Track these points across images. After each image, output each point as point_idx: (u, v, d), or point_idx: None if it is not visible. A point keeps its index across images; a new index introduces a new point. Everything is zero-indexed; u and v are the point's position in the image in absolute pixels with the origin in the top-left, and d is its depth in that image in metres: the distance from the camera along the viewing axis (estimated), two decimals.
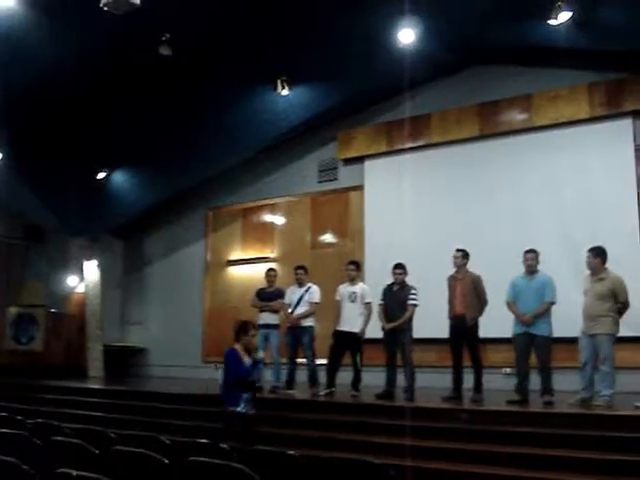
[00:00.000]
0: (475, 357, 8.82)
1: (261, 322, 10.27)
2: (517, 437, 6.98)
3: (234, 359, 7.05)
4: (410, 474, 6.11)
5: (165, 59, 10.64)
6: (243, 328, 7.19)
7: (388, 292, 9.37)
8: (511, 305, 8.57)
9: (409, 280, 9.38)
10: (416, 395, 8.95)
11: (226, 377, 7.16)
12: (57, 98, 11.42)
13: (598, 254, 8.17)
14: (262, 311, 10.35)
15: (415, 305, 9.13)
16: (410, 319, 9.11)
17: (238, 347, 7.13)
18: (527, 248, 8.67)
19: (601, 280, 8.09)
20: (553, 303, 8.35)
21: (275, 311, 10.32)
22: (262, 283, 10.80)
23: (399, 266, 9.37)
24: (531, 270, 8.55)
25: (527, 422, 7.30)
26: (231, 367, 7.08)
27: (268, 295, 10.44)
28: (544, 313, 8.30)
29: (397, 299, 9.21)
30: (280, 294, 10.43)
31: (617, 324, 7.98)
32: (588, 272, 8.29)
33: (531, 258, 8.56)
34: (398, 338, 9.12)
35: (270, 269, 10.93)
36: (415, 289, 9.23)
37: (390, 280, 9.42)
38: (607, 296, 7.99)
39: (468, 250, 9.16)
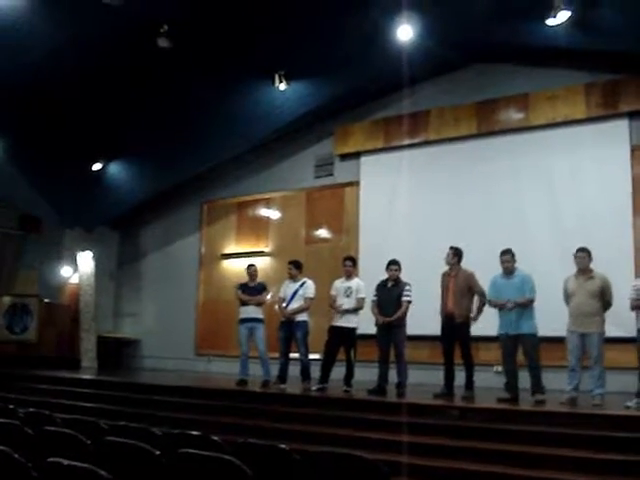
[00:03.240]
0: (466, 355, 8.84)
1: (245, 316, 10.34)
2: (507, 435, 7.01)
3: None
4: (402, 470, 6.13)
5: (162, 51, 10.64)
6: None
7: (382, 288, 9.38)
8: (492, 300, 8.60)
9: (402, 277, 9.40)
10: (408, 391, 8.98)
11: None
12: (54, 89, 11.40)
13: (589, 254, 8.23)
14: (244, 304, 10.39)
15: (409, 302, 9.16)
16: (404, 316, 9.14)
17: None
18: (503, 249, 8.68)
19: (591, 279, 8.15)
20: (532, 300, 8.38)
21: (259, 304, 10.34)
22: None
23: (394, 262, 9.39)
24: (508, 271, 8.59)
25: (517, 420, 7.33)
26: None
27: (252, 289, 10.48)
28: (524, 306, 8.32)
29: (391, 295, 9.23)
30: (264, 287, 10.49)
31: (604, 323, 8.05)
32: (573, 272, 8.35)
33: (507, 260, 8.58)
34: (392, 334, 9.14)
35: (250, 265, 10.93)
36: (410, 285, 9.25)
37: (384, 276, 9.44)
38: (598, 295, 8.07)
39: (462, 247, 9.18)
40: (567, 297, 8.34)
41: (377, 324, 9.27)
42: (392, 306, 9.17)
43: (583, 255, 8.25)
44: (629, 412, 7.37)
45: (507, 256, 8.59)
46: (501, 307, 8.46)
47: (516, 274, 8.56)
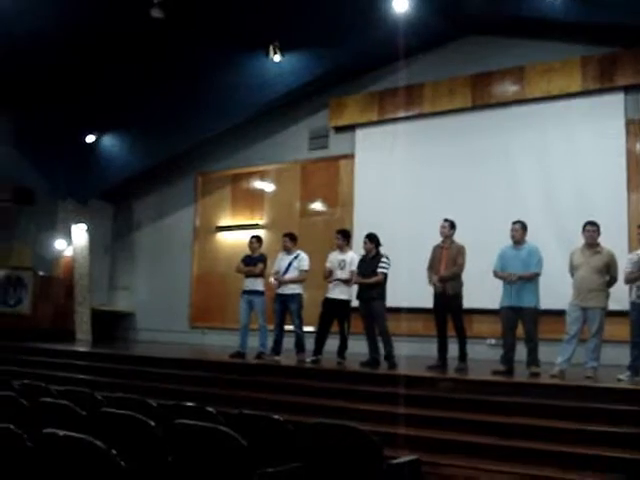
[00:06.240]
0: (458, 327, 8.88)
1: (244, 288, 10.31)
2: (500, 407, 7.06)
3: None
4: (395, 441, 6.18)
5: (157, 22, 10.56)
6: None
7: (362, 262, 9.44)
8: (497, 272, 8.61)
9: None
10: (403, 363, 9.02)
11: None
12: (49, 60, 11.33)
13: (599, 228, 8.18)
14: (246, 277, 10.37)
15: (384, 273, 9.18)
16: (382, 288, 9.19)
17: None
18: (514, 219, 8.71)
19: (598, 254, 8.12)
20: (538, 274, 8.39)
21: (257, 276, 10.32)
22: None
23: (366, 236, 9.46)
24: (516, 240, 8.59)
25: (511, 392, 7.35)
26: None
27: (251, 260, 10.45)
28: (529, 279, 8.33)
29: (368, 268, 9.27)
30: (261, 258, 10.42)
31: (608, 298, 8.06)
32: (580, 245, 8.31)
33: (515, 229, 8.59)
34: (370, 307, 9.17)
35: (252, 236, 10.86)
36: (387, 258, 9.27)
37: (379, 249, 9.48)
38: (603, 270, 8.05)
39: (457, 220, 9.19)
40: (572, 270, 8.31)
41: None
42: (369, 278, 9.23)
43: (593, 229, 8.19)
44: (621, 385, 7.43)
45: (516, 225, 8.61)
46: (504, 279, 8.48)
47: (524, 246, 8.56)
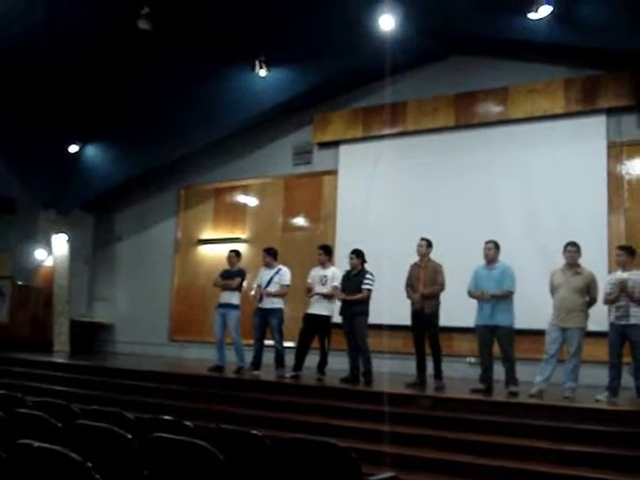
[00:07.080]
0: (434, 345, 8.89)
1: (219, 301, 10.31)
2: (478, 425, 7.07)
3: None
4: (373, 458, 6.15)
5: (142, 34, 10.55)
6: None
7: (346, 278, 9.45)
8: (471, 292, 8.64)
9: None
10: (383, 380, 9.02)
11: None
12: (31, 69, 11.27)
13: (579, 249, 8.24)
14: (223, 290, 10.35)
15: (369, 290, 9.21)
16: (366, 305, 9.20)
17: None
18: (488, 239, 8.75)
19: (578, 274, 8.16)
20: (511, 292, 8.42)
21: (234, 289, 10.29)
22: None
23: (352, 252, 9.48)
24: (489, 260, 8.63)
25: (489, 411, 7.36)
26: None
27: (229, 274, 10.44)
28: (502, 298, 8.36)
29: (353, 284, 9.29)
30: (239, 273, 10.42)
31: (588, 318, 8.10)
32: (560, 266, 8.35)
33: (488, 248, 8.63)
34: (352, 322, 9.17)
35: (230, 251, 10.85)
36: (372, 275, 9.31)
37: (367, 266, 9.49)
38: (583, 290, 8.09)
39: (439, 238, 9.23)
40: (552, 290, 8.35)
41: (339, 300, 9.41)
42: (353, 294, 9.23)
43: (574, 250, 8.24)
44: (599, 405, 7.45)
45: (489, 244, 8.65)
46: (478, 298, 8.49)
47: (497, 265, 8.60)
